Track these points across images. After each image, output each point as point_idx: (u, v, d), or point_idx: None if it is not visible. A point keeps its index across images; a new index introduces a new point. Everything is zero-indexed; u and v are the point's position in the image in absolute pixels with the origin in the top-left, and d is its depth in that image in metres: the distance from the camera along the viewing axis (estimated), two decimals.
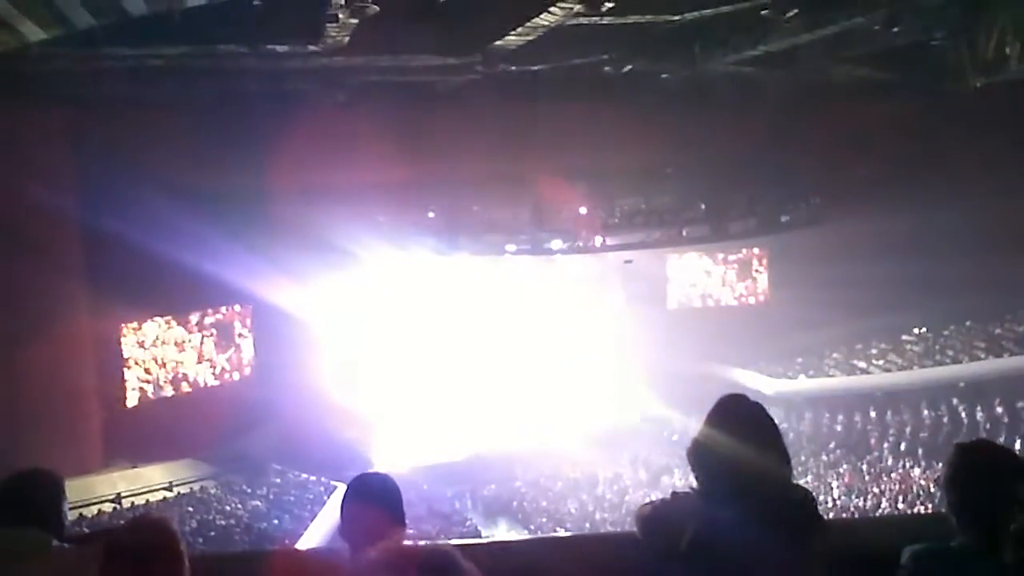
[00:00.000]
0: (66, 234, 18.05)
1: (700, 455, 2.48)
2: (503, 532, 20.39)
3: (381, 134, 21.06)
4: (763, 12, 15.85)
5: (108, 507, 17.78)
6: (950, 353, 24.69)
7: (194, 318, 20.89)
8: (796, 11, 16.14)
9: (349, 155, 20.72)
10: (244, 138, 19.08)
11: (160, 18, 11.54)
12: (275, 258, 19.59)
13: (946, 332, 25.45)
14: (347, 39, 15.14)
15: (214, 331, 21.30)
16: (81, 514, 16.47)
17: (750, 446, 2.42)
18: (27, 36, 11.03)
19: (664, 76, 21.12)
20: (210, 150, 18.75)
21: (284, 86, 19.02)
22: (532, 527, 20.24)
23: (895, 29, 16.64)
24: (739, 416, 2.49)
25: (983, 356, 24.00)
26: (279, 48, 16.21)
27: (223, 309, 21.33)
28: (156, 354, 20.13)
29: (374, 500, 2.61)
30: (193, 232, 17.18)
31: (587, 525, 19.90)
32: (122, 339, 19.45)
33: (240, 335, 21.70)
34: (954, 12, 16.38)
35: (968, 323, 25.30)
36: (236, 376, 21.51)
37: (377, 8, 13.24)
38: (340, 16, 13.80)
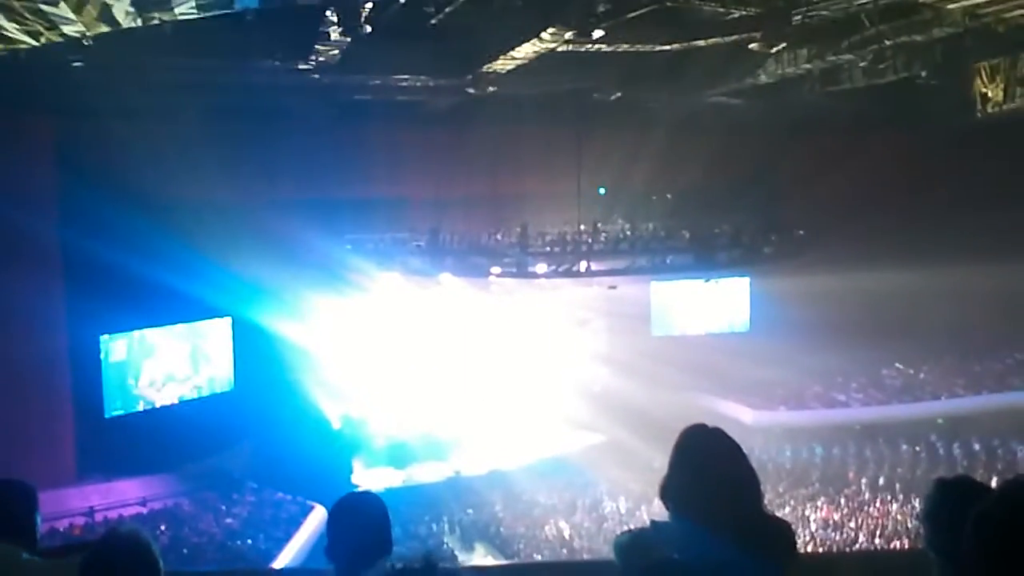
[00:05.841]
0: (46, 245, 17.88)
1: (670, 491, 2.48)
2: (480, 557, 20.24)
3: (369, 153, 21.09)
4: (751, 46, 16.05)
5: (80, 521, 17.53)
6: (929, 389, 24.86)
7: (174, 331, 20.70)
8: (784, 45, 16.37)
9: (335, 172, 20.74)
10: (232, 153, 19.05)
11: (149, 30, 11.52)
12: (257, 273, 19.50)
13: (925, 368, 25.62)
14: (338, 57, 15.20)
15: (193, 345, 21.12)
16: (53, 527, 16.22)
17: (717, 474, 2.42)
18: (16, 44, 10.99)
19: (652, 105, 21.32)
20: (197, 164, 18.66)
21: (273, 102, 19.04)
22: (509, 553, 20.11)
23: (881, 66, 16.89)
24: (702, 447, 2.49)
25: (962, 393, 24.17)
26: (269, 64, 16.24)
27: (203, 323, 21.16)
28: (135, 367, 19.93)
29: (363, 521, 2.60)
30: (174, 245, 17.10)
31: (564, 552, 19.79)
32: (101, 351, 19.24)
33: (219, 350, 21.51)
34: (936, 52, 16.65)
35: (947, 360, 25.48)
36: (214, 391, 21.31)
37: (370, 28, 13.31)
38: (332, 34, 13.86)
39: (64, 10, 8.92)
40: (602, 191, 22.81)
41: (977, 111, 17.59)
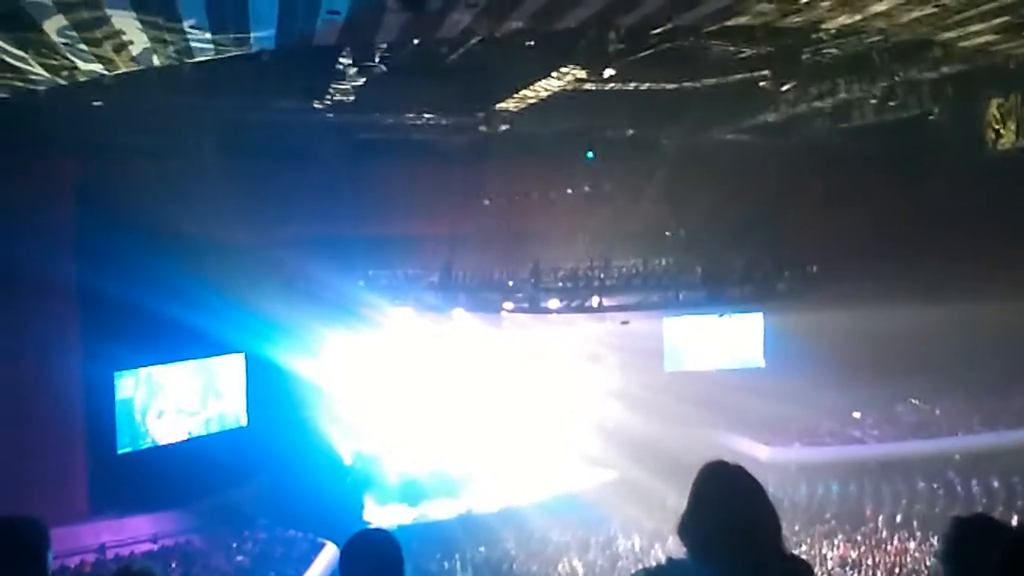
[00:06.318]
0: (61, 280, 17.98)
1: (689, 529, 2.46)
2: None
3: (383, 190, 21.26)
4: (762, 84, 16.18)
5: (91, 557, 17.46)
6: (945, 425, 24.60)
7: (187, 367, 20.75)
8: (794, 83, 16.49)
9: (350, 209, 20.88)
10: (246, 190, 19.23)
11: (167, 69, 11.69)
12: (270, 309, 19.59)
13: (941, 403, 25.37)
14: (353, 96, 15.39)
15: (206, 381, 21.16)
16: (64, 564, 16.16)
17: (738, 512, 2.40)
18: (36, 83, 11.17)
19: (664, 141, 21.46)
20: (212, 200, 18.85)
21: (288, 140, 19.26)
22: None
23: (891, 103, 16.98)
24: (723, 484, 2.48)
25: (978, 429, 23.90)
26: (285, 103, 16.45)
27: (216, 359, 21.21)
28: (148, 403, 19.96)
29: (376, 559, 2.60)
30: (188, 281, 17.19)
31: None
32: (114, 387, 19.30)
33: (232, 386, 21.54)
34: (947, 89, 16.72)
35: (963, 395, 25.23)
36: (226, 427, 21.30)
37: (384, 68, 13.50)
38: (348, 74, 14.05)
39: (106, 50, 9.06)
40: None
41: (988, 148, 17.61)
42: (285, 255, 19.64)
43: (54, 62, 9.74)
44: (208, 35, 8.62)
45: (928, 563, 18.35)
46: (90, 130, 16.39)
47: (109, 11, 7.92)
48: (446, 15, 9.03)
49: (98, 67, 10.08)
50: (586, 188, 22.24)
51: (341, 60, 13.59)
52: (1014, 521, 17.20)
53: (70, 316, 18.25)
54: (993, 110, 17.07)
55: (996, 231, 21.83)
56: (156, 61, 9.69)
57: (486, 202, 22.38)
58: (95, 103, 14.66)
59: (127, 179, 17.86)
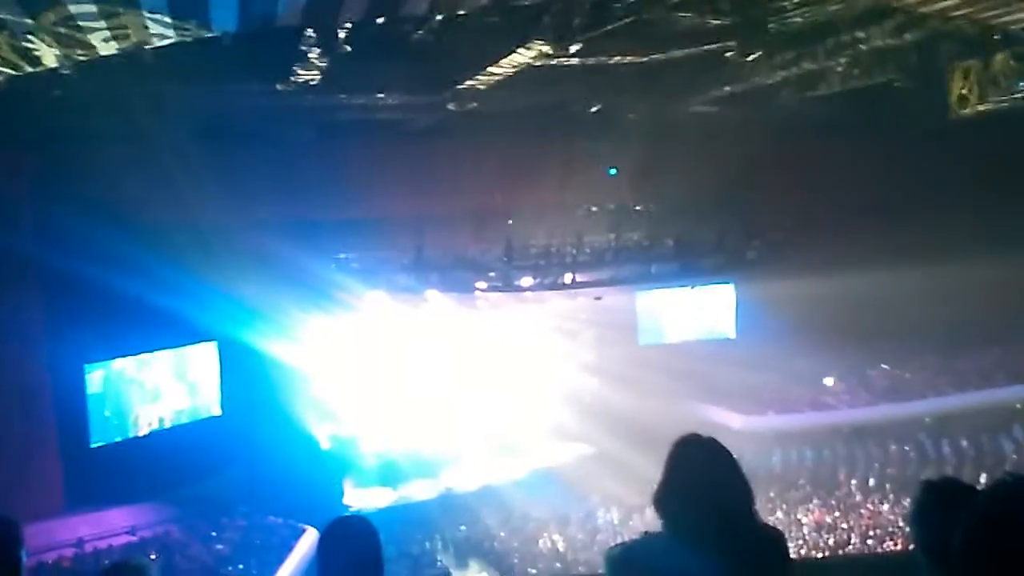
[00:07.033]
0: (25, 274, 17.72)
1: (664, 502, 2.48)
2: (474, 574, 20.16)
3: (351, 172, 21.09)
4: (727, 54, 16.21)
5: (69, 552, 17.32)
6: (915, 388, 24.98)
7: (159, 357, 20.55)
8: (760, 53, 16.53)
9: (318, 192, 20.70)
10: (213, 175, 18.95)
11: (127, 55, 11.49)
12: (243, 295, 19.43)
13: (911, 367, 25.74)
14: (319, 78, 15.21)
15: (179, 371, 20.97)
16: (41, 560, 16.02)
17: (711, 485, 2.43)
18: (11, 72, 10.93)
19: (632, 115, 21.45)
20: (178, 187, 18.58)
21: (254, 123, 19.00)
22: (503, 568, 20.04)
23: (856, 71, 17.07)
24: (696, 457, 2.50)
25: (948, 391, 24.31)
26: (249, 86, 16.22)
27: (189, 348, 21.02)
28: (120, 394, 19.77)
29: (354, 544, 2.60)
30: (157, 270, 16.98)
31: (558, 565, 19.75)
32: (85, 380, 19.08)
33: (206, 375, 21.37)
34: (911, 55, 16.85)
35: (932, 358, 25.62)
36: (201, 416, 21.15)
37: (349, 48, 13.36)
38: (311, 55, 13.89)
39: (65, 37, 8.88)
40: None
41: (953, 113, 17.78)
42: (254, 239, 19.44)
43: (12, 53, 9.55)
44: (168, 19, 8.48)
45: (902, 524, 18.71)
46: (49, 118, 16.04)
47: (69, 4, 7.77)
48: None
49: (58, 53, 9.89)
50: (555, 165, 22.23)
51: (305, 41, 13.42)
52: (983, 479, 17.57)
53: (36, 307, 17.93)
54: (957, 75, 17.23)
55: (962, 195, 22.11)
56: (116, 48, 9.52)
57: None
58: (55, 92, 14.36)
59: (91, 165, 17.57)
